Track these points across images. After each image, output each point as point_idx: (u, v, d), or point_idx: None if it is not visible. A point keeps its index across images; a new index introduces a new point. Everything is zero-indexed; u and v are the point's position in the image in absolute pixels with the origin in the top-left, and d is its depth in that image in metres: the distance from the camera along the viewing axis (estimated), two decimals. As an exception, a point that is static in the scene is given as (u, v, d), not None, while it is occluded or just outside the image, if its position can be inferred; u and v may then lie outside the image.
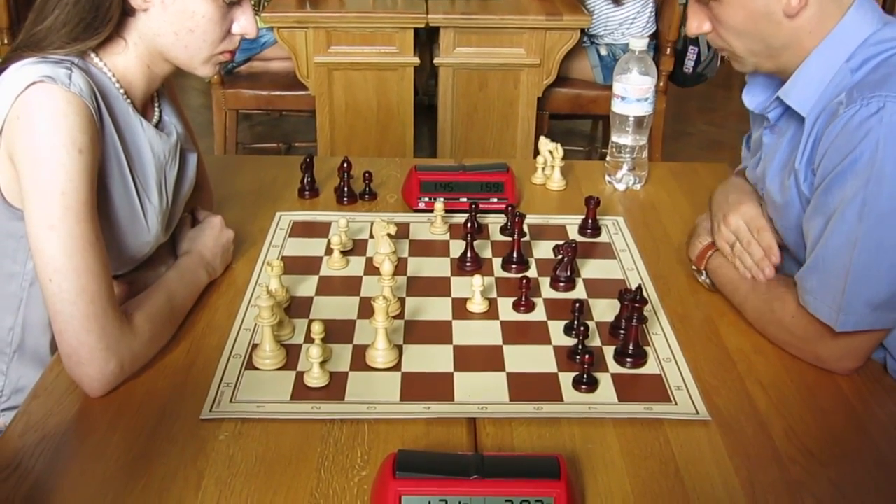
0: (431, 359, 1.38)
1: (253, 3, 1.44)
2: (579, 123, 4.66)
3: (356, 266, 1.64)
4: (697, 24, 1.46)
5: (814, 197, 1.36)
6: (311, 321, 1.38)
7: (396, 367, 1.35)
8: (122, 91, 1.39)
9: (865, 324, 1.31)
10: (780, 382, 1.36)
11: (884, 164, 1.24)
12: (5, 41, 3.25)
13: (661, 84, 3.47)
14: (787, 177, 1.44)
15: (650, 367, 1.37)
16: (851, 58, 1.35)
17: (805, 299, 1.35)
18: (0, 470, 1.14)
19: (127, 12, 1.34)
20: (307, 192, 1.92)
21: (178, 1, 1.34)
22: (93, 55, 1.36)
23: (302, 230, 1.78)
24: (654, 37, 3.63)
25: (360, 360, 1.37)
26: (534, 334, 1.45)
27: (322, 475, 1.14)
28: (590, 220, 1.76)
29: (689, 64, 3.58)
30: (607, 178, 2.03)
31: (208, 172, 1.78)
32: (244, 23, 1.41)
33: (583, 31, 3.44)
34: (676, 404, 1.29)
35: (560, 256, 1.59)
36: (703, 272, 1.57)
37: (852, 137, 1.27)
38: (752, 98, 1.55)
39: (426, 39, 3.71)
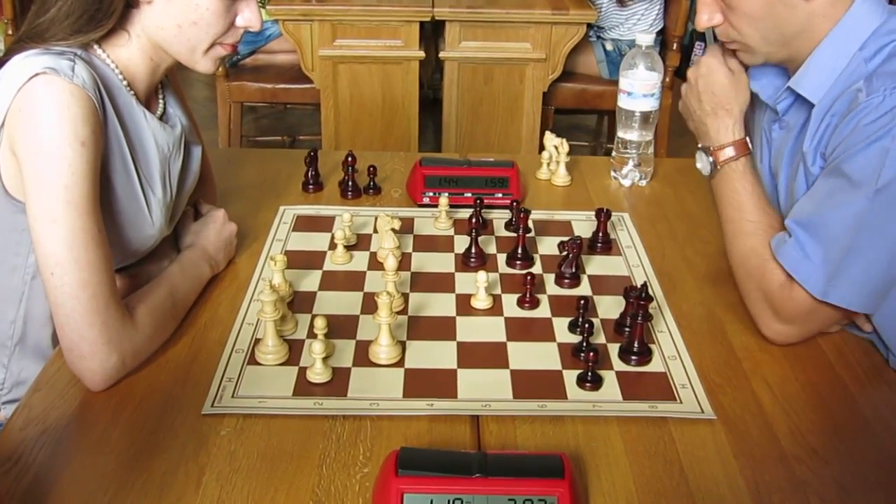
0: (435, 355, 1.37)
1: None
2: (584, 118, 4.65)
3: (360, 261, 1.64)
4: (709, 16, 1.44)
5: (829, 163, 1.35)
6: (314, 316, 1.37)
7: (399, 364, 1.35)
8: (125, 83, 1.38)
9: (851, 302, 1.33)
10: (786, 381, 1.35)
11: None
12: (9, 32, 3.24)
13: (668, 80, 3.46)
14: (797, 164, 1.43)
15: (655, 365, 1.37)
16: (864, 47, 1.35)
17: (790, 254, 1.34)
18: (1, 463, 1.14)
19: (130, 4, 1.33)
20: (311, 186, 1.91)
21: None
22: (96, 47, 1.35)
23: (305, 224, 1.77)
24: (661, 32, 3.62)
25: (362, 356, 1.36)
26: (538, 331, 1.45)
27: (324, 472, 1.14)
28: (600, 234, 1.71)
29: (696, 59, 3.57)
30: (613, 173, 2.02)
31: (212, 165, 1.77)
32: (248, 15, 1.40)
33: (589, 25, 3.43)
34: (681, 403, 1.28)
35: (565, 253, 1.58)
36: (717, 167, 1.49)
37: (874, 126, 1.26)
38: (758, 84, 1.53)
39: (431, 33, 3.71)
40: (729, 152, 1.47)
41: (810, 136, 1.40)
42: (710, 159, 1.50)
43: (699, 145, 1.54)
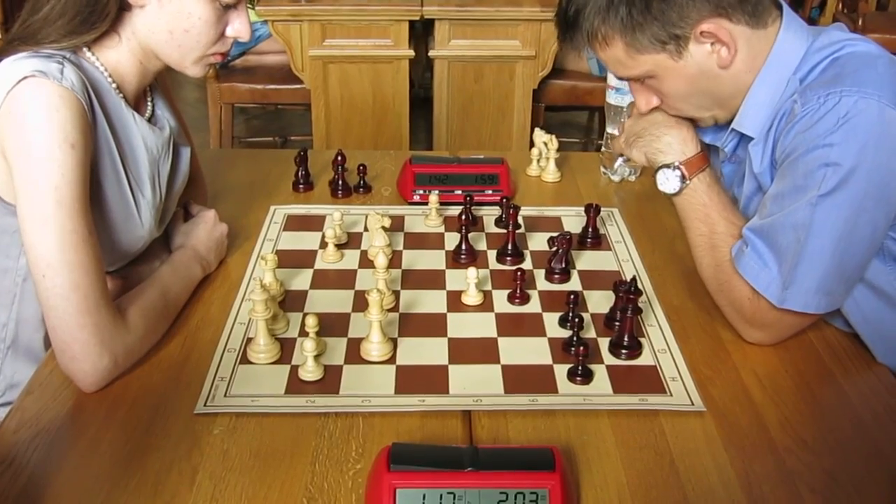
0: (426, 351, 1.38)
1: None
2: (575, 115, 4.65)
3: (351, 259, 1.64)
4: (646, 101, 1.47)
5: (779, 169, 1.37)
6: (305, 315, 1.38)
7: (391, 360, 1.35)
8: (114, 86, 1.38)
9: (810, 306, 1.34)
10: (775, 373, 1.36)
11: (847, 158, 1.26)
12: (-1, 36, 3.24)
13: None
14: (754, 188, 1.47)
15: (645, 359, 1.37)
16: (798, 70, 1.37)
17: (749, 265, 1.36)
18: (-5, 466, 1.15)
19: (123, 7, 1.34)
20: (301, 186, 1.91)
21: (175, 1, 1.33)
22: (85, 49, 1.35)
23: (296, 224, 1.77)
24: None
25: (354, 354, 1.36)
26: (529, 326, 1.45)
27: (317, 468, 1.14)
28: (590, 230, 1.72)
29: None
30: (602, 169, 2.02)
31: (202, 166, 1.78)
32: (238, 26, 1.41)
33: (578, 22, 3.42)
34: (671, 395, 1.29)
35: (555, 248, 1.59)
36: (687, 181, 1.45)
37: (812, 134, 1.29)
38: (705, 131, 1.54)
39: (421, 32, 3.71)
40: (697, 163, 1.46)
41: (758, 160, 1.43)
42: (678, 174, 1.46)
43: (658, 167, 1.48)
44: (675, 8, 1.31)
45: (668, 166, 1.46)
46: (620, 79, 1.49)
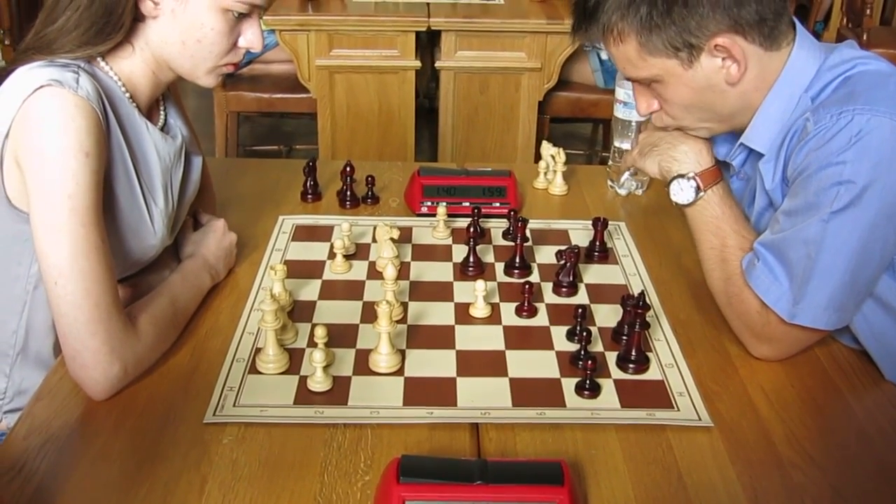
0: (434, 363, 1.38)
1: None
2: (579, 127, 4.66)
3: (359, 270, 1.65)
4: (646, 104, 1.47)
5: (790, 189, 1.38)
6: (314, 325, 1.38)
7: (399, 372, 1.36)
8: (127, 95, 1.39)
9: (819, 322, 1.35)
10: (782, 388, 1.36)
11: (860, 175, 1.27)
12: (6, 42, 3.25)
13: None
14: (765, 205, 1.47)
15: (652, 373, 1.38)
16: (810, 87, 1.38)
17: (760, 279, 1.36)
18: (4, 472, 1.15)
19: (137, 18, 1.35)
20: (310, 196, 1.92)
21: (188, 11, 1.34)
22: (99, 59, 1.36)
23: (305, 234, 1.78)
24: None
25: (363, 365, 1.37)
26: (536, 339, 1.46)
27: (325, 480, 1.15)
28: (597, 243, 1.72)
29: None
30: (609, 182, 2.03)
31: (211, 175, 1.78)
32: (251, 37, 1.42)
33: (584, 35, 3.43)
34: (679, 410, 1.30)
35: (562, 261, 1.59)
36: (702, 192, 1.46)
37: (825, 152, 1.29)
38: (715, 147, 1.53)
39: (427, 43, 3.72)
40: (712, 176, 1.47)
41: (769, 176, 1.43)
42: (693, 185, 1.46)
43: (672, 177, 1.49)
44: (695, 17, 1.32)
45: (682, 176, 1.47)
46: (627, 78, 1.49)
